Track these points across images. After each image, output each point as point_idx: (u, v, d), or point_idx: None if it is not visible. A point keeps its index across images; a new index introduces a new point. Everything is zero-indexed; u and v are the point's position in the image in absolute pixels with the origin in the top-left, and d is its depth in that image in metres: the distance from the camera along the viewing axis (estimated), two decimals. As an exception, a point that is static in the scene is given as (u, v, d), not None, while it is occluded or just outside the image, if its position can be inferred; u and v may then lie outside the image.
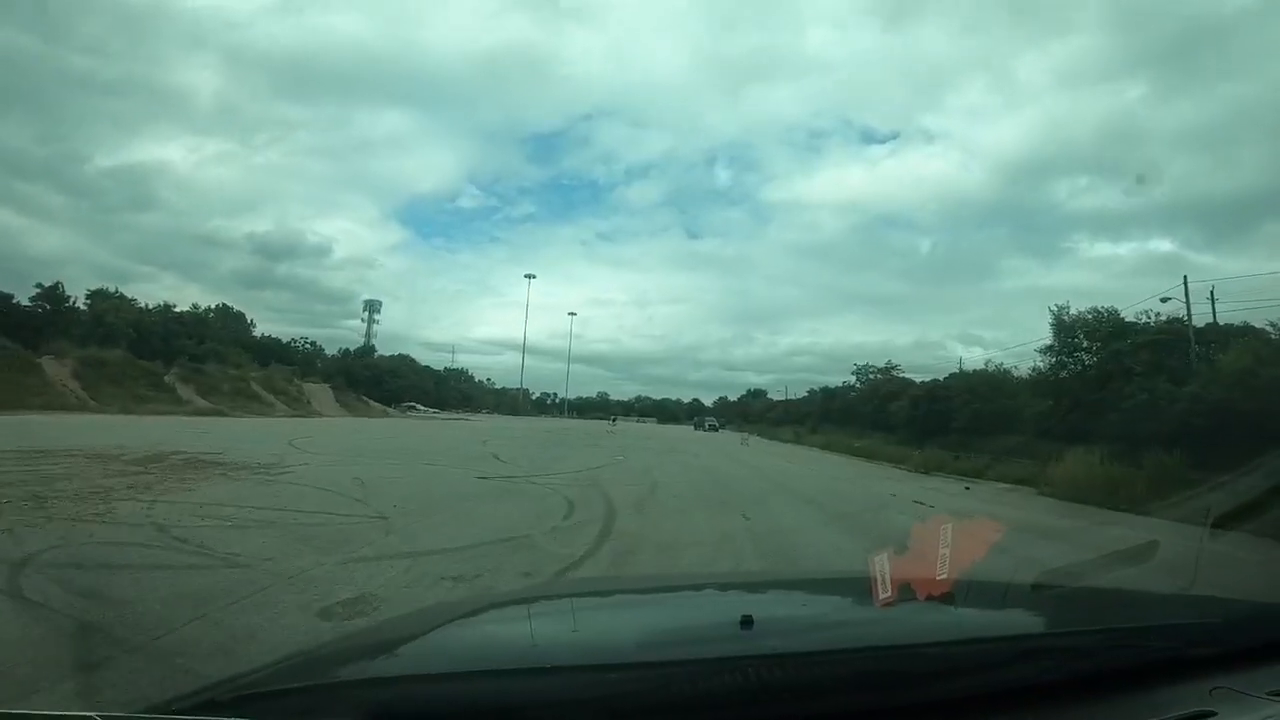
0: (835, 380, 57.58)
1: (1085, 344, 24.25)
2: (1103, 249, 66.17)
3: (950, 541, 1.27)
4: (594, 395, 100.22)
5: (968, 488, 14.52)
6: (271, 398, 29.31)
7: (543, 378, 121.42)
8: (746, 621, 1.15)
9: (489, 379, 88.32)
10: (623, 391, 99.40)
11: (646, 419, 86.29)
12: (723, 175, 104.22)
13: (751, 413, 74.31)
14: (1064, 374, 24.04)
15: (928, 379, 37.75)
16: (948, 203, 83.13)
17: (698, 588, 1.96)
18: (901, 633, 1.20)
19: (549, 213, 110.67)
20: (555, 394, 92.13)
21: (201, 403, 24.21)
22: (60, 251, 67.15)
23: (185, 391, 24.70)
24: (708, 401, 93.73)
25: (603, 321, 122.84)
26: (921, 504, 10.24)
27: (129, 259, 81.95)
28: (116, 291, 45.38)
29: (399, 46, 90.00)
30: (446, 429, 27.19)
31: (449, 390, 74.29)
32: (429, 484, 9.45)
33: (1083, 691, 1.05)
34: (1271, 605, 1.56)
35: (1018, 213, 74.96)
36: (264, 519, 5.93)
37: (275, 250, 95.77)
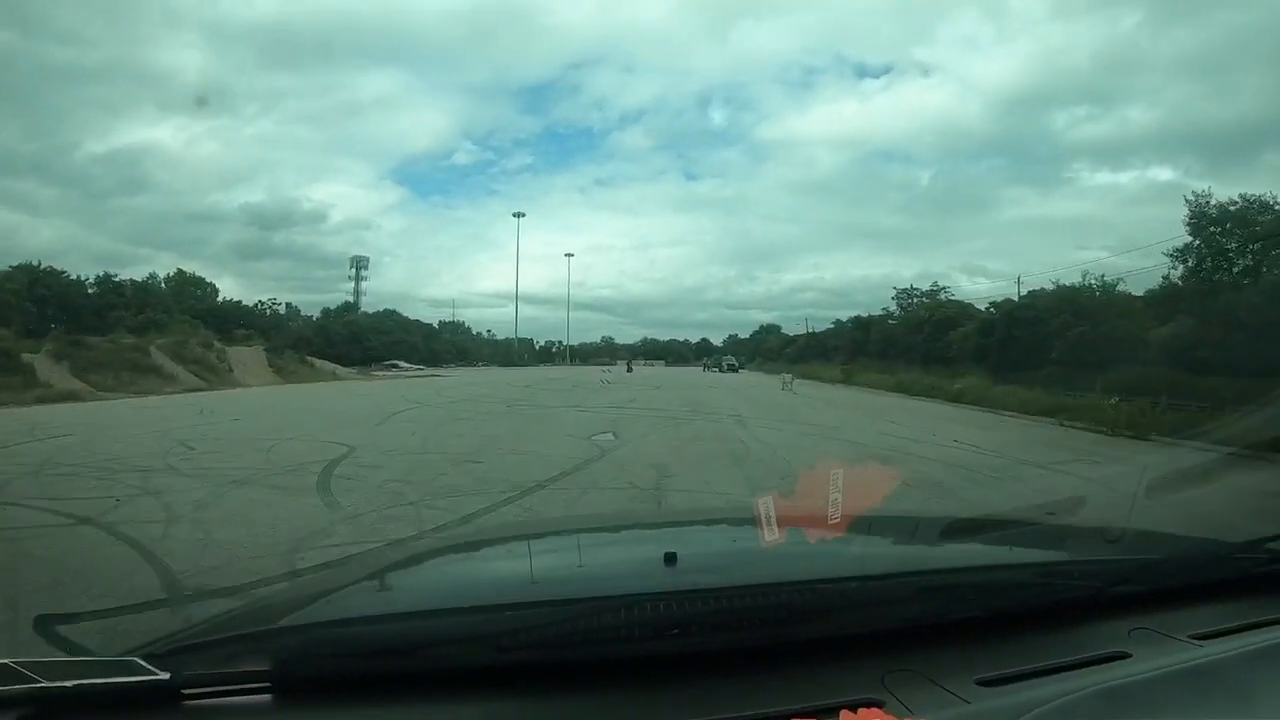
0: (841, 314, 54.65)
1: (1236, 245, 18.37)
2: (1103, 178, 65.47)
3: (841, 487, 1.22)
4: (598, 340, 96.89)
5: None
6: (177, 369, 24.01)
7: (546, 326, 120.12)
8: (670, 558, 1.14)
9: (489, 331, 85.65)
10: (627, 335, 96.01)
11: (654, 361, 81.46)
12: (717, 116, 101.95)
13: (766, 349, 69.29)
14: (1215, 280, 18.24)
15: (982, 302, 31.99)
16: (945, 135, 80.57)
17: (627, 527, 1.96)
18: (809, 569, 1.20)
19: (545, 163, 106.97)
20: (559, 341, 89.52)
21: (74, 383, 18.71)
22: (55, 243, 66.89)
23: (54, 371, 19.19)
24: (716, 341, 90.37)
25: (604, 267, 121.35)
26: None
27: (125, 243, 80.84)
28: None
29: (382, 7, 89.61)
30: (369, 394, 21.27)
31: (442, 345, 70.98)
32: None
33: (994, 629, 1.01)
34: (1206, 541, 1.46)
35: (1017, 143, 73.85)
36: None
37: (271, 220, 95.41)
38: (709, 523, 1.96)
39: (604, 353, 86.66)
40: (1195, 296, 18.38)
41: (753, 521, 1.28)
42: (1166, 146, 53.62)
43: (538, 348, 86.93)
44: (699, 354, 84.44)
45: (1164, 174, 56.69)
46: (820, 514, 1.20)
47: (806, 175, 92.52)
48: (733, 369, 52.00)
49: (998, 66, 75.59)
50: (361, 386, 27.31)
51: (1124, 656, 0.97)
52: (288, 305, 63.41)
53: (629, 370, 48.06)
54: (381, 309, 69.83)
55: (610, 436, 10.60)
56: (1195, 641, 1.01)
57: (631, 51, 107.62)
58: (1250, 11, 44.73)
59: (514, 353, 74.08)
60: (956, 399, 21.15)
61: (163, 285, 50.41)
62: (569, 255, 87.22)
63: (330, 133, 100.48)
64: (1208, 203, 18.69)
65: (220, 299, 53.57)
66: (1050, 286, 25.80)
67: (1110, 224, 53.58)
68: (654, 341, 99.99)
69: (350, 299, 71.02)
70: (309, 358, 37.47)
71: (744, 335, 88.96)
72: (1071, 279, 25.52)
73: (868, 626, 0.97)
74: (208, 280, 54.96)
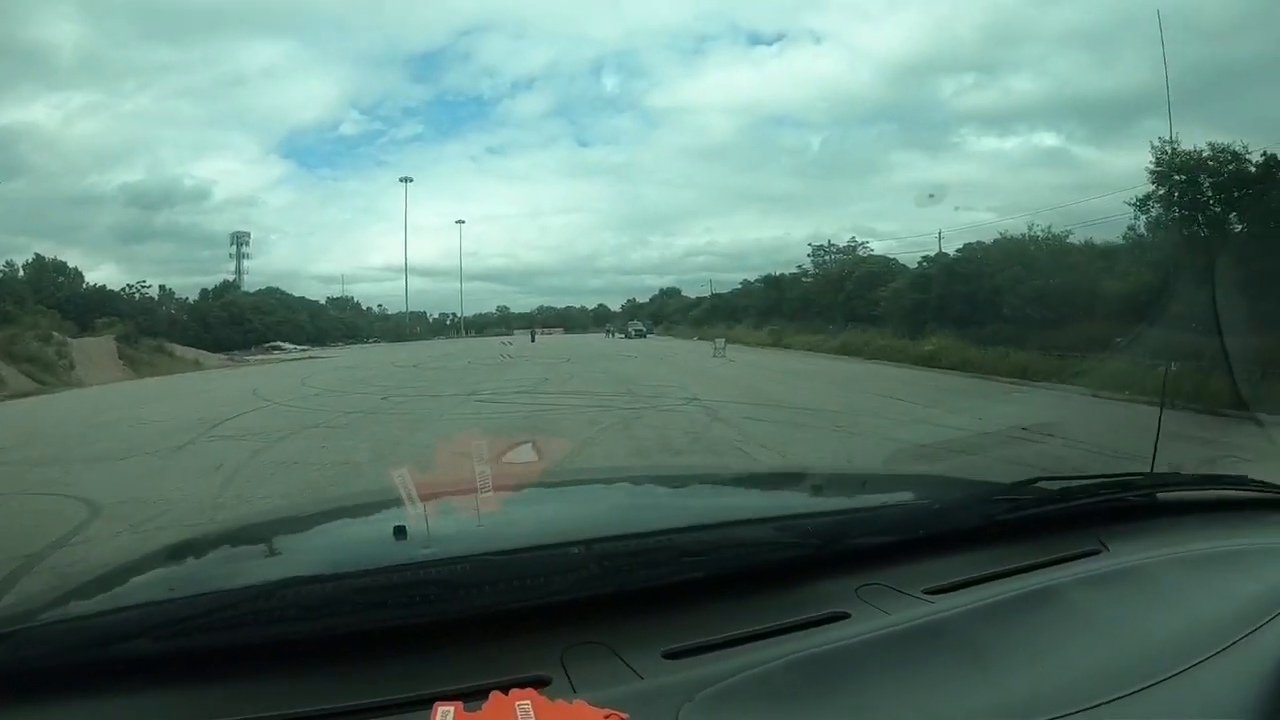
0: (734, 277, 53.71)
1: (1210, 193, 16.89)
2: (989, 143, 66.65)
3: (486, 456, 1.22)
4: (493, 310, 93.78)
5: None
6: (4, 369, 19.98)
7: (439, 298, 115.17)
8: (399, 531, 1.11)
9: (380, 306, 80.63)
10: (523, 305, 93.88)
11: (553, 330, 78.15)
12: (610, 83, 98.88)
13: (669, 312, 67.23)
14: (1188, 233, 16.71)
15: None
16: (836, 101, 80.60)
17: (378, 506, 1.65)
18: (503, 536, 1.15)
19: (436, 132, 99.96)
20: (453, 314, 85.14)
21: None
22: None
23: None
24: (614, 307, 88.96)
25: (497, 237, 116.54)
26: None
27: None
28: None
29: None
30: (217, 389, 17.37)
31: (330, 323, 66.56)
32: None
33: (701, 594, 0.94)
34: (971, 484, 1.48)
35: (906, 110, 75.06)
36: None
37: (152, 200, 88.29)
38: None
39: (499, 323, 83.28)
40: (1166, 246, 16.91)
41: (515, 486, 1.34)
42: (1050, 114, 57.03)
43: (431, 320, 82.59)
44: (597, 320, 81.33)
45: (1048, 140, 59.92)
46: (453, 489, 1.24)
47: (699, 141, 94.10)
48: (640, 334, 49.04)
49: (887, 34, 76.19)
50: (219, 377, 23.51)
51: (843, 617, 0.91)
52: (161, 288, 57.05)
53: (533, 340, 44.05)
54: (265, 287, 64.53)
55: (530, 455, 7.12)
56: (926, 597, 0.97)
57: (523, 17, 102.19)
58: None
59: (405, 327, 70.35)
60: (929, 362, 18.87)
61: (20, 274, 44.32)
62: (460, 222, 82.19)
63: (213, 107, 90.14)
64: (1174, 149, 17.14)
65: (86, 285, 47.67)
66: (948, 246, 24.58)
67: (996, 187, 54.09)
68: (550, 309, 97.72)
69: (245, 276, 64.64)
70: (169, 345, 33.22)
71: (642, 300, 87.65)
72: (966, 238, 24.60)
73: (548, 597, 0.89)
74: (71, 266, 48.56)
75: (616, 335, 51.74)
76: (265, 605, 0.84)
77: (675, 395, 11.98)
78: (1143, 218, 18.46)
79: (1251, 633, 0.95)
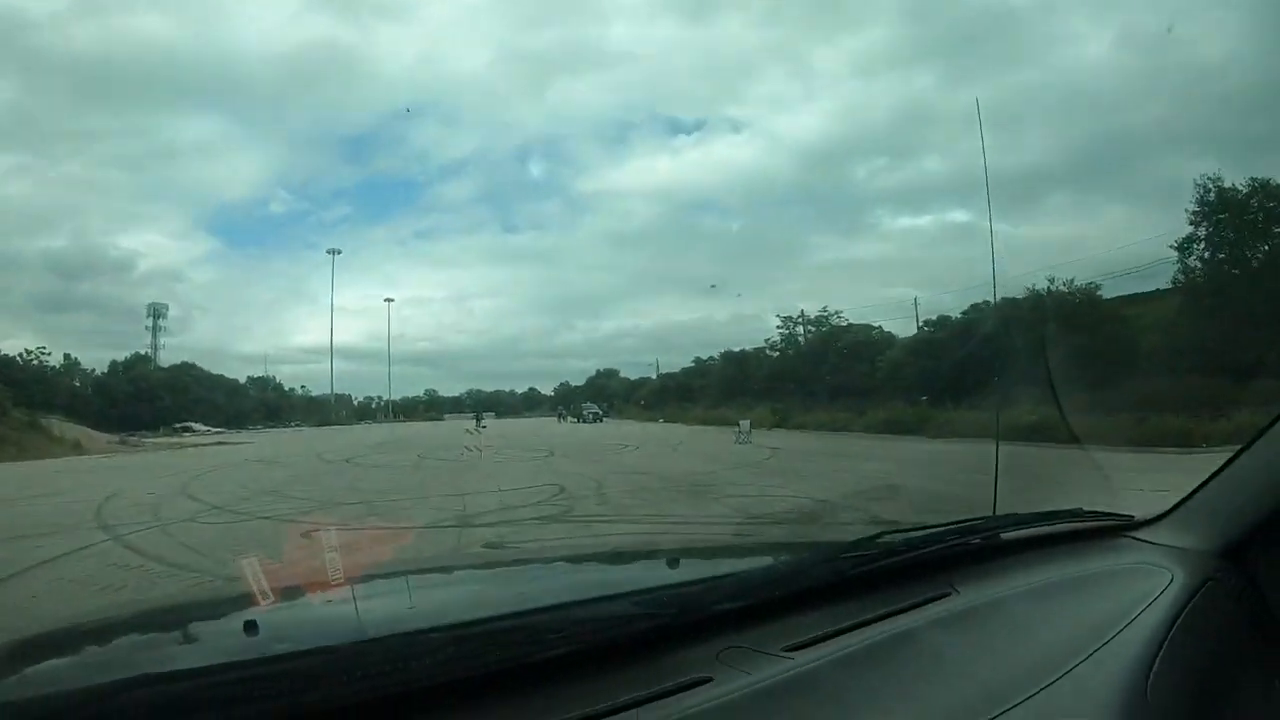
0: (658, 359, 55.33)
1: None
2: (904, 221, 69.33)
3: (336, 545, 1.19)
4: (422, 394, 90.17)
5: None
6: None
7: (364, 381, 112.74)
8: (250, 626, 1.02)
9: (303, 387, 77.33)
10: (449, 388, 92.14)
11: (485, 415, 74.26)
12: (536, 169, 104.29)
13: (609, 394, 64.43)
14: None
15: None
16: (755, 186, 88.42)
17: (227, 600, 1.52)
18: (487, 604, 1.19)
19: (364, 214, 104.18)
20: (379, 396, 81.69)
21: None
22: None
23: None
24: (545, 390, 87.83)
25: (423, 320, 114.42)
26: None
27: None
28: None
29: (203, 49, 79.64)
30: (63, 493, 11.60)
31: (248, 403, 63.52)
32: None
33: (563, 671, 0.91)
34: (818, 545, 1.58)
35: (822, 192, 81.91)
36: None
37: (73, 269, 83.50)
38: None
39: (429, 407, 80.00)
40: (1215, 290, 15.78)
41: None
42: (961, 191, 61.19)
43: (356, 404, 79.56)
44: (527, 405, 78.52)
45: (960, 216, 62.68)
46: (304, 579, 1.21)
47: (623, 226, 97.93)
48: (597, 417, 45.00)
49: (803, 122, 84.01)
50: (85, 469, 17.83)
51: (706, 681, 0.92)
52: (66, 356, 52.38)
53: (480, 426, 38.41)
54: (179, 363, 59.87)
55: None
56: (786, 654, 0.99)
57: (453, 104, 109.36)
58: (1031, 72, 50.87)
59: (330, 410, 67.34)
60: (1033, 436, 16.39)
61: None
62: (389, 300, 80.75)
63: (143, 177, 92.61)
64: (1218, 189, 16.40)
65: None
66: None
67: (914, 263, 55.20)
68: (479, 393, 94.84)
69: (147, 352, 59.84)
70: (47, 421, 29.18)
71: (577, 382, 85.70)
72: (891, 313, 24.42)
73: (407, 685, 0.85)
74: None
75: (568, 419, 47.69)
76: (110, 707, 0.78)
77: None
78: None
79: (1099, 648, 1.05)
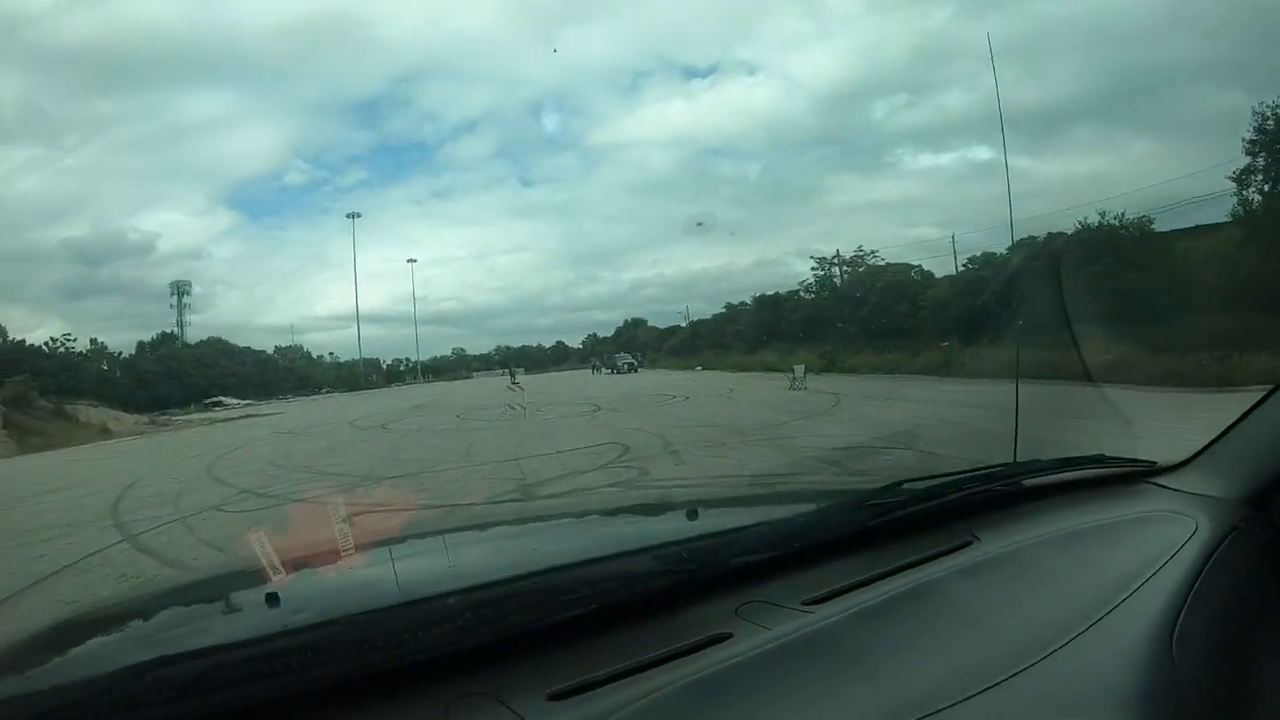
0: (682, 307, 53.74)
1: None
2: (926, 160, 68.97)
3: (344, 516, 1.20)
4: (449, 353, 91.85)
5: None
6: None
7: (391, 344, 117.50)
8: (271, 598, 1.03)
9: (331, 354, 78.21)
10: (477, 346, 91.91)
11: (517, 370, 74.82)
12: (550, 123, 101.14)
13: (640, 344, 63.71)
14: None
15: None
16: (773, 130, 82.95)
17: (241, 576, 1.47)
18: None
19: (380, 178, 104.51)
20: (407, 359, 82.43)
21: None
22: None
23: None
24: (573, 343, 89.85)
25: (445, 280, 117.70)
26: None
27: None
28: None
29: (206, 25, 79.75)
30: (72, 486, 10.64)
31: (278, 373, 63.41)
32: None
33: (581, 630, 0.92)
34: (836, 493, 1.57)
35: (841, 133, 77.16)
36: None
37: (95, 255, 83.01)
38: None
39: (457, 365, 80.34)
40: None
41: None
42: (982, 127, 58.95)
43: (385, 367, 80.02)
44: (555, 358, 79.54)
45: (983, 153, 58.32)
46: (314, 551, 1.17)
47: (641, 175, 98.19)
48: (632, 368, 43.87)
49: (819, 62, 78.91)
50: (109, 454, 17.13)
51: (725, 638, 0.91)
52: (92, 341, 52.34)
53: (514, 383, 37.52)
54: (206, 338, 60.78)
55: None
56: (806, 608, 0.99)
57: (461, 62, 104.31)
58: (1053, 1, 49.48)
59: (360, 375, 67.19)
60: (1112, 376, 15.34)
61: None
62: (412, 261, 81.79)
63: (156, 159, 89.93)
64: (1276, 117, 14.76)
65: (5, 341, 42.83)
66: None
67: (937, 202, 55.05)
68: (507, 349, 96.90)
69: (174, 330, 61.04)
70: (72, 408, 28.18)
71: (605, 334, 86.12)
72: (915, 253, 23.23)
73: (427, 651, 0.86)
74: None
75: (602, 371, 46.92)
76: (137, 689, 0.78)
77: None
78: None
79: (1125, 600, 1.02)
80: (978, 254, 26.33)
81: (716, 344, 45.71)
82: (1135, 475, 1.54)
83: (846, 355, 26.12)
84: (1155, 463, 1.57)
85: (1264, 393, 1.44)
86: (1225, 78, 37.10)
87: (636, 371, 42.04)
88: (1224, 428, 1.48)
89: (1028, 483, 1.43)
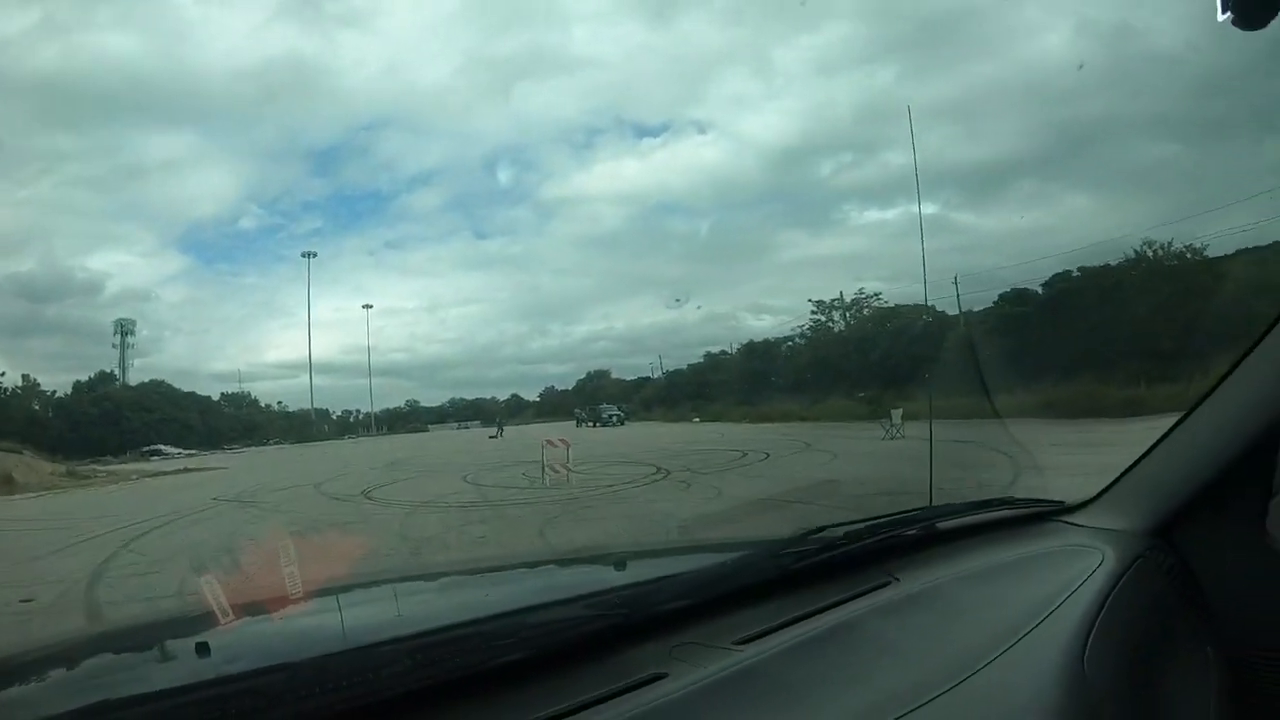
0: (632, 361, 54.03)
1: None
2: (871, 215, 75.51)
3: (295, 557, 1.16)
4: (402, 405, 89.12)
5: None
6: None
7: (340, 395, 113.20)
8: (201, 648, 1.02)
9: (280, 402, 74.28)
10: (428, 398, 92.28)
11: (468, 424, 71.92)
12: (504, 176, 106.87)
13: (606, 396, 62.60)
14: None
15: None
16: (722, 187, 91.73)
17: (185, 620, 1.51)
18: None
19: (335, 226, 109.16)
20: (358, 409, 79.77)
21: None
22: None
23: None
24: (529, 396, 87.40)
25: (397, 330, 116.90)
26: None
27: None
28: None
29: (168, 65, 75.75)
30: None
31: (224, 421, 61.14)
32: None
33: (520, 676, 0.93)
34: (760, 542, 1.55)
35: (789, 189, 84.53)
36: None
37: (41, 292, 79.82)
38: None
39: (410, 418, 77.61)
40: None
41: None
42: (927, 184, 62.95)
43: (335, 418, 76.20)
44: (511, 411, 77.55)
45: (927, 208, 64.63)
46: (264, 595, 1.17)
47: (592, 230, 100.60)
48: (620, 420, 42.27)
49: (768, 121, 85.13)
50: None
51: (662, 677, 0.93)
52: (25, 378, 49.53)
53: (498, 434, 35.25)
54: (148, 380, 56.90)
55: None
56: (737, 647, 1.01)
57: (418, 114, 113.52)
58: (991, 64, 52.12)
59: (311, 425, 64.54)
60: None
61: None
62: (368, 307, 79.27)
63: (110, 197, 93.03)
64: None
65: None
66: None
67: (882, 256, 58.38)
68: (461, 401, 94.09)
69: (114, 371, 56.73)
70: None
71: (562, 387, 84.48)
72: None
73: (366, 698, 0.85)
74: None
75: (587, 424, 44.65)
76: None
77: None
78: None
79: (1036, 626, 1.09)
80: (1008, 290, 26.80)
81: (696, 395, 45.25)
82: (1044, 514, 1.68)
83: (894, 400, 25.75)
84: (1063, 502, 1.71)
85: (1166, 429, 1.55)
86: (1155, 132, 39.68)
87: (623, 424, 40.80)
88: (1127, 465, 1.58)
89: (942, 525, 1.51)
